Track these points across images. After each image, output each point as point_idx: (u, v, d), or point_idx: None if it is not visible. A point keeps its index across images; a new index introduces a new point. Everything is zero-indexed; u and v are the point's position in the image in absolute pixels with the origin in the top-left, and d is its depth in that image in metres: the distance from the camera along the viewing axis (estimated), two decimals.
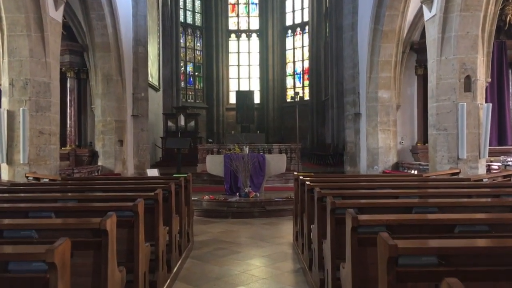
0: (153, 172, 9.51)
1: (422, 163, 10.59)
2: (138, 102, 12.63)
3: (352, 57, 12.61)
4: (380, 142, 11.67)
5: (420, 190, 4.36)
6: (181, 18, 24.20)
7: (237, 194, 9.77)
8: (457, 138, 7.30)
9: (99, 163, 11.71)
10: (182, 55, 24.34)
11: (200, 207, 9.26)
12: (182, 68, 24.43)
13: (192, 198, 9.66)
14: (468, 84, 7.30)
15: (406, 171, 11.14)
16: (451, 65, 7.36)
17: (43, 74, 7.45)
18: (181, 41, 24.30)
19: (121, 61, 11.74)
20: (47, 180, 6.64)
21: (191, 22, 25.46)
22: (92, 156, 11.93)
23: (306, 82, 25.08)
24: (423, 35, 11.84)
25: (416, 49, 11.84)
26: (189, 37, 25.43)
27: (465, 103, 7.22)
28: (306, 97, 24.32)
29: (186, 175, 6.25)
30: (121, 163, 11.81)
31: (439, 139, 7.52)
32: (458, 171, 7.08)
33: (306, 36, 25.00)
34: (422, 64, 11.82)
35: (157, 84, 19.22)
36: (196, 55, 25.79)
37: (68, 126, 11.81)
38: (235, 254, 5.99)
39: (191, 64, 25.55)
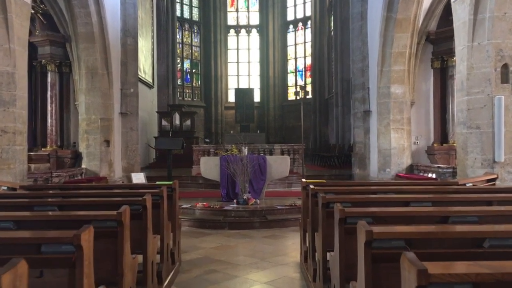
0: (138, 177, 8.41)
1: (442, 165, 9.50)
2: (127, 99, 11.52)
3: (361, 49, 11.50)
4: (393, 142, 10.57)
5: (474, 209, 3.26)
6: (178, 13, 23.06)
7: (235, 201, 8.67)
8: (492, 138, 6.20)
9: (83, 166, 10.61)
10: (178, 51, 23.20)
11: (193, 216, 8.18)
12: (179, 65, 23.31)
13: (184, 206, 8.60)
14: (505, 74, 6.20)
15: (422, 174, 10.05)
16: (485, 52, 6.27)
17: (6, 63, 6.36)
18: (178, 36, 23.17)
19: (107, 53, 10.63)
20: (6, 188, 5.55)
21: (188, 17, 24.32)
22: (75, 158, 10.84)
23: (308, 80, 23.97)
24: (440, 24, 10.79)
25: (432, 39, 10.75)
26: (186, 32, 24.29)
27: (503, 96, 6.13)
28: (309, 95, 23.18)
29: (171, 182, 5.15)
30: (107, 166, 10.71)
31: (470, 139, 6.42)
32: (495, 176, 5.99)
33: (308, 31, 23.87)
34: (439, 56, 10.75)
35: (150, 81, 18.11)
36: (193, 51, 24.65)
37: (49, 124, 10.71)
38: (230, 279, 4.89)
39: (188, 60, 24.41)
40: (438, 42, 10.70)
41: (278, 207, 8.30)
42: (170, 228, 4.89)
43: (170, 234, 4.89)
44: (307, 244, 4.95)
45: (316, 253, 4.54)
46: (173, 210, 5.12)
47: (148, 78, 17.67)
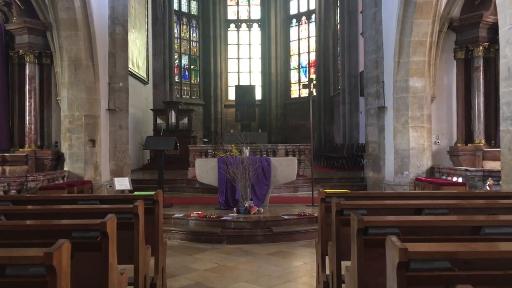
0: (122, 182, 7.28)
1: (470, 168, 8.36)
2: (115, 94, 10.38)
3: (375, 38, 10.36)
4: (411, 142, 9.45)
5: None
6: (175, 6, 21.93)
7: (235, 209, 7.55)
8: None
9: (65, 168, 9.50)
10: (176, 46, 22.08)
11: (186, 228, 7.06)
12: (176, 61, 22.19)
13: (177, 215, 7.46)
14: None
15: (445, 178, 8.93)
16: None
17: None
18: (175, 31, 22.05)
19: (93, 42, 9.52)
20: None
21: (186, 11, 23.19)
22: (57, 160, 9.70)
23: (313, 76, 22.81)
24: (464, 10, 9.63)
25: (456, 27, 9.60)
26: (184, 27, 23.15)
27: None
28: (313, 93, 22.03)
29: (153, 193, 4.03)
30: (92, 168, 9.59)
31: None
32: None
33: (312, 25, 22.74)
34: (463, 45, 9.60)
35: (145, 76, 16.99)
36: (192, 46, 23.52)
37: (27, 122, 9.56)
38: None
39: (186, 56, 23.28)
40: (462, 29, 9.56)
41: (285, 217, 7.18)
42: (149, 253, 3.77)
43: (149, 261, 3.77)
44: (328, 273, 3.84)
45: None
46: (155, 229, 4.00)
47: (142, 74, 16.56)
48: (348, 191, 4.21)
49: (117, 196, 4.14)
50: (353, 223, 2.72)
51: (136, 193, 4.33)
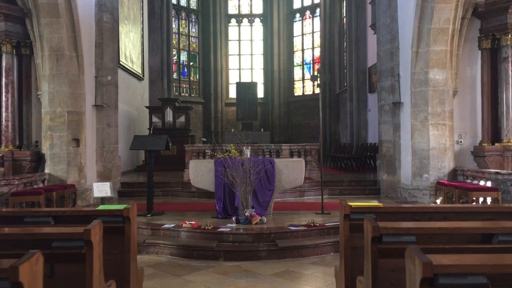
0: (102, 188, 6.29)
1: (502, 171, 7.38)
2: (103, 88, 9.42)
3: (390, 27, 9.36)
4: (431, 141, 8.47)
5: None
6: (173, 0, 20.97)
7: (234, 218, 6.57)
8: None
9: (46, 170, 8.55)
10: (174, 42, 21.10)
11: (177, 241, 6.08)
12: (175, 57, 21.21)
13: (166, 226, 6.49)
14: None
15: (470, 181, 7.93)
16: None
17: None
18: (174, 26, 21.05)
19: (77, 31, 8.55)
20: None
21: (185, 5, 22.17)
22: (38, 161, 8.77)
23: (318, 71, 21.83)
24: None
25: (481, 13, 8.63)
26: (183, 21, 22.15)
27: None
28: (317, 90, 21.04)
29: (122, 207, 3.05)
30: (76, 170, 8.63)
31: None
32: None
33: (317, 20, 21.74)
34: (489, 34, 8.63)
35: (140, 72, 16.01)
36: (191, 42, 22.52)
37: (4, 119, 8.63)
38: None
39: (185, 52, 22.27)
40: (488, 16, 8.59)
41: (292, 228, 6.19)
42: None
43: None
44: None
45: None
46: (125, 256, 3.02)
47: (137, 69, 15.57)
48: (381, 205, 3.22)
49: (75, 212, 3.17)
50: (411, 267, 1.73)
51: (101, 206, 3.34)
